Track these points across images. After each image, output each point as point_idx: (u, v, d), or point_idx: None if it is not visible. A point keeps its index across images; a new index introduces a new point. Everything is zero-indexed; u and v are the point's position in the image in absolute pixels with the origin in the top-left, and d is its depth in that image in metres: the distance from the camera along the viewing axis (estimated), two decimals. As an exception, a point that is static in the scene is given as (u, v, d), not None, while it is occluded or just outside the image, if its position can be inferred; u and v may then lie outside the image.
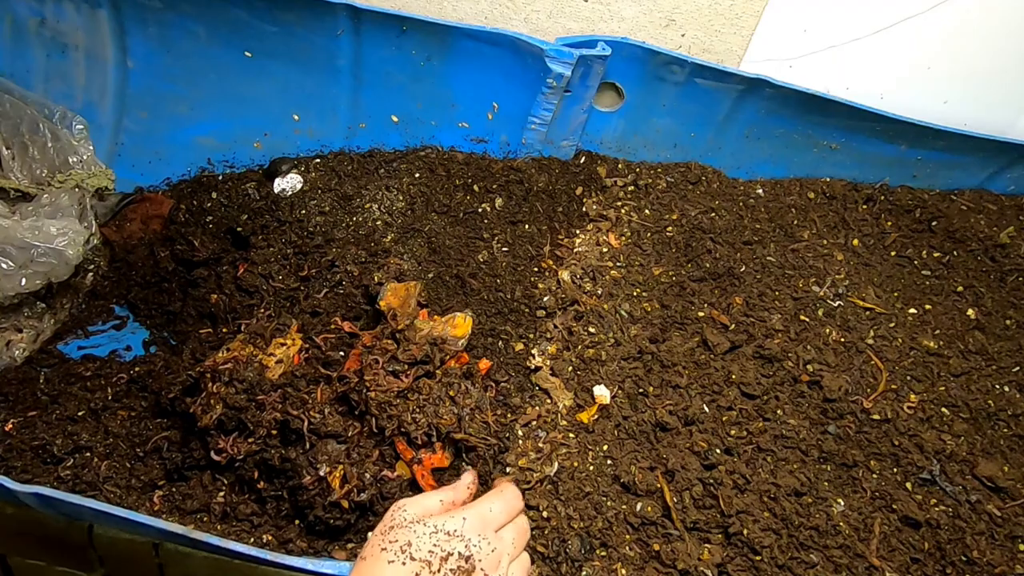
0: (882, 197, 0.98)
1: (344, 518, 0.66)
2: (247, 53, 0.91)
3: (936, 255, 0.92)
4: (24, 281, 0.83)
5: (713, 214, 0.93)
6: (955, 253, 0.92)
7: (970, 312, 0.86)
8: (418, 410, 0.68)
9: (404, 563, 0.51)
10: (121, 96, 0.96)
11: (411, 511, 0.56)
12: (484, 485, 0.69)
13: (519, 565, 0.57)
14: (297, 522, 0.68)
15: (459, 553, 0.52)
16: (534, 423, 0.74)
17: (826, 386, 0.75)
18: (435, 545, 0.53)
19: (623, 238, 0.91)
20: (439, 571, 0.51)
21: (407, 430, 0.67)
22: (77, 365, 0.84)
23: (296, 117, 0.97)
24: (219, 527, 0.66)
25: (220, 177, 0.97)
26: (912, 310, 0.86)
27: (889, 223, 0.96)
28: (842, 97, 0.91)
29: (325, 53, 0.90)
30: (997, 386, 0.79)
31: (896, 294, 0.87)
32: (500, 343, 0.81)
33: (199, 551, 0.56)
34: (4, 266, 0.81)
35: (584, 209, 0.95)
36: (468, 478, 0.63)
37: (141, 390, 0.81)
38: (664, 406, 0.74)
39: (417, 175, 0.94)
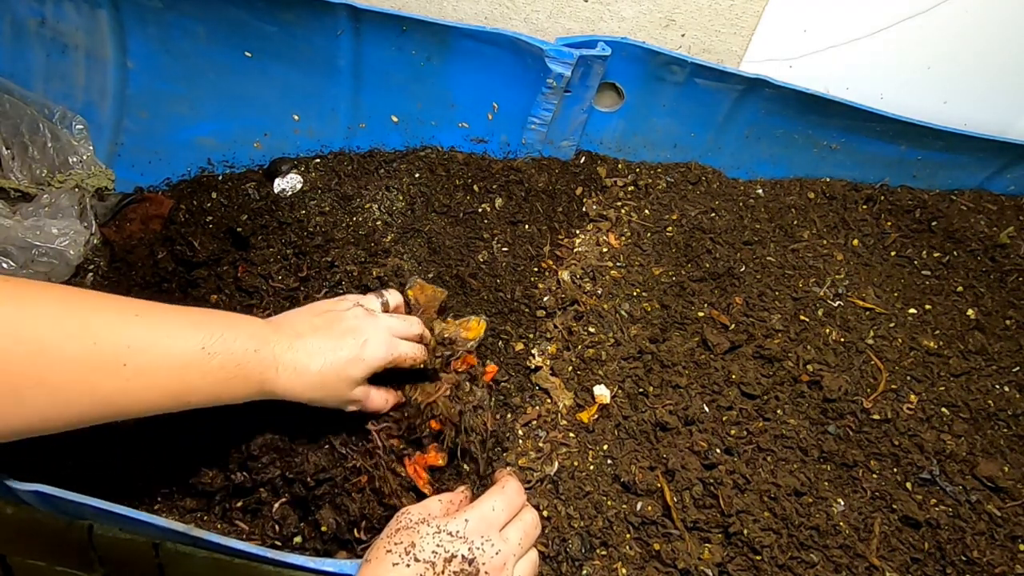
0: (882, 197, 0.98)
1: None
2: (247, 53, 0.91)
3: (936, 255, 0.92)
4: (24, 281, 0.83)
5: (713, 214, 0.93)
6: (955, 253, 0.92)
7: (970, 312, 0.86)
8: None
9: (408, 564, 0.51)
10: (121, 96, 0.95)
11: (415, 514, 0.56)
12: (485, 484, 0.69)
13: (526, 563, 0.57)
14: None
15: (462, 556, 0.52)
16: (534, 423, 0.75)
17: (826, 386, 0.75)
18: (438, 546, 0.53)
19: (623, 238, 0.91)
20: (443, 572, 0.51)
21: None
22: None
23: (296, 117, 0.97)
24: (219, 525, 0.66)
25: (220, 177, 0.97)
26: (912, 310, 0.86)
27: (889, 223, 0.96)
28: (842, 97, 0.91)
29: (325, 53, 0.90)
30: (997, 386, 0.79)
31: (896, 294, 0.87)
32: (500, 343, 0.81)
33: (200, 550, 0.56)
34: (5, 266, 0.81)
35: (584, 209, 0.95)
36: (462, 490, 0.64)
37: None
38: (664, 406, 0.74)
39: (417, 175, 0.94)
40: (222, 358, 0.52)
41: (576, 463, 0.71)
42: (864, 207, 0.97)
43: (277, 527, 0.65)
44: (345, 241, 0.87)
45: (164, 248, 0.90)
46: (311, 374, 0.57)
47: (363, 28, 0.87)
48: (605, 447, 0.72)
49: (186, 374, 0.51)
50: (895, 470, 0.71)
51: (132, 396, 0.50)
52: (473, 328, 0.76)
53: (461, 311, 0.82)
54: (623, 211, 0.94)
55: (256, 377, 0.55)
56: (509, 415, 0.75)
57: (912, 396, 0.76)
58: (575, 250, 0.90)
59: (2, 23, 0.89)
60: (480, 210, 0.92)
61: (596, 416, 0.74)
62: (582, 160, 1.00)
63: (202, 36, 0.90)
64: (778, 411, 0.74)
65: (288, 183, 0.93)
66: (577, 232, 0.93)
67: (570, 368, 0.78)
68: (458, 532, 0.54)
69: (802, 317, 0.82)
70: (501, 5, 0.94)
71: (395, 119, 0.97)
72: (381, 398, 0.65)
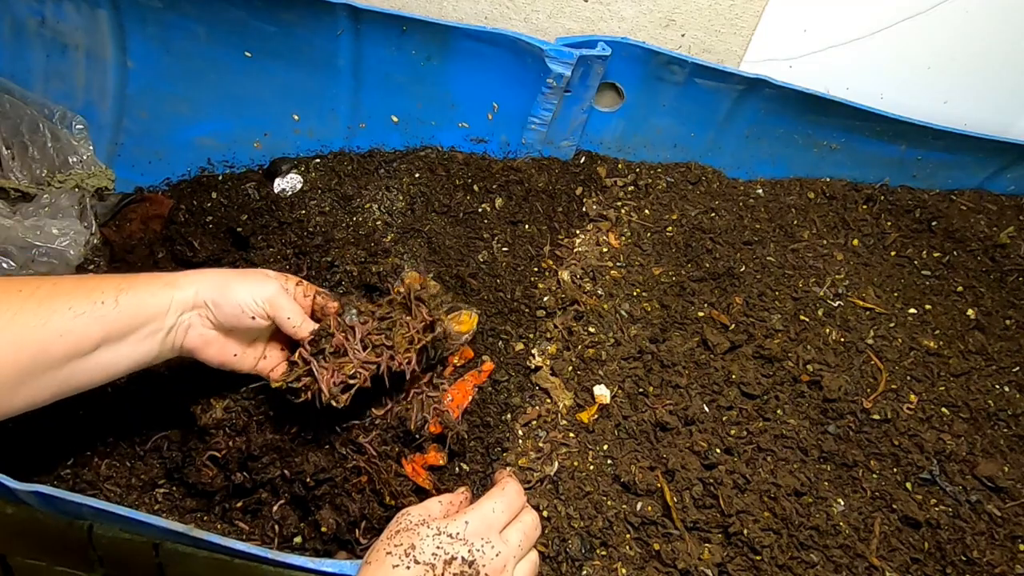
0: (882, 197, 0.98)
1: None
2: (247, 53, 0.91)
3: (936, 255, 0.92)
4: (24, 281, 0.83)
5: (713, 214, 0.93)
6: (955, 253, 0.92)
7: (970, 312, 0.86)
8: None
9: (408, 567, 0.51)
10: (121, 96, 0.95)
11: (415, 515, 0.56)
12: (484, 485, 0.69)
13: (526, 564, 0.57)
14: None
15: (462, 558, 0.52)
16: (534, 423, 0.75)
17: (826, 386, 0.75)
18: (438, 548, 0.52)
19: (623, 238, 0.91)
20: (443, 574, 0.51)
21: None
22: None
23: (296, 117, 0.97)
24: (219, 525, 0.66)
25: (220, 177, 0.97)
26: (912, 310, 0.86)
27: (889, 223, 0.96)
28: (842, 97, 0.91)
29: (325, 53, 0.90)
30: (997, 386, 0.79)
31: (896, 294, 0.87)
32: (500, 343, 0.81)
33: (200, 550, 0.56)
34: (5, 266, 0.81)
35: (584, 209, 0.95)
36: (462, 491, 0.64)
37: (142, 388, 0.80)
38: (664, 406, 0.74)
39: (417, 175, 0.94)
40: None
41: (576, 463, 0.71)
42: (864, 207, 0.97)
43: (277, 527, 0.65)
44: (345, 241, 0.87)
45: (164, 248, 0.90)
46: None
47: (363, 28, 0.87)
48: (605, 447, 0.72)
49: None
50: (895, 470, 0.71)
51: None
52: (465, 321, 0.75)
53: (466, 308, 0.82)
54: (623, 211, 0.94)
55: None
56: (509, 415, 0.75)
57: (912, 396, 0.76)
58: (575, 250, 0.90)
59: (2, 23, 0.89)
60: (480, 210, 0.92)
61: (596, 416, 0.74)
62: (582, 160, 1.00)
63: (202, 36, 0.90)
64: (778, 411, 0.74)
65: (288, 183, 0.93)
66: (577, 232, 0.93)
67: (570, 368, 0.78)
68: (458, 534, 0.54)
69: (802, 317, 0.82)
70: (501, 5, 0.94)
71: (395, 119, 0.97)
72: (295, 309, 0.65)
